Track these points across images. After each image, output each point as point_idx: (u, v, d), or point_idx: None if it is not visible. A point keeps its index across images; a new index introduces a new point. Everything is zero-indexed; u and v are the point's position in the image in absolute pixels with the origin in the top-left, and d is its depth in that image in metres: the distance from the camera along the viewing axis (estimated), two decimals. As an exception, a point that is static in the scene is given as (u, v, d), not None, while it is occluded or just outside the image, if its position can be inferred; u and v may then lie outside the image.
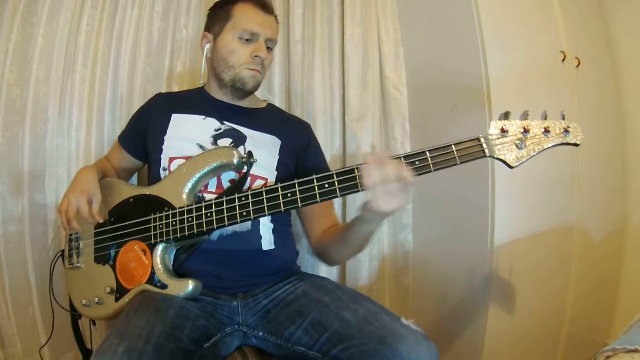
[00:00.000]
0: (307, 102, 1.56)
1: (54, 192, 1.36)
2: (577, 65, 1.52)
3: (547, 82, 1.45)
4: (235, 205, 0.91)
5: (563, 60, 1.47)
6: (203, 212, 0.93)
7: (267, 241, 1.03)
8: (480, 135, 0.81)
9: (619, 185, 1.72)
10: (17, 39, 1.29)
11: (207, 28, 1.13)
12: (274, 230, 1.05)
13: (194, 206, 0.94)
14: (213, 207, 0.92)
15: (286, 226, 1.12)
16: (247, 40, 1.06)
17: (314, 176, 0.86)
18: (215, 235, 0.98)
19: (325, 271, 1.52)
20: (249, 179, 1.01)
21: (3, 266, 1.31)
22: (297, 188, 0.86)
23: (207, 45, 1.11)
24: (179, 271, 0.98)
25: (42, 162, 1.35)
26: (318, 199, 0.85)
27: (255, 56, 1.05)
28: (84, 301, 1.03)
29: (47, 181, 1.35)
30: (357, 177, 0.83)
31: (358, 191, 0.83)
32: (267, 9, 1.09)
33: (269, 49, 1.10)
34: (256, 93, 1.17)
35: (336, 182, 0.84)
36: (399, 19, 1.63)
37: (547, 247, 1.43)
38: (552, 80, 1.46)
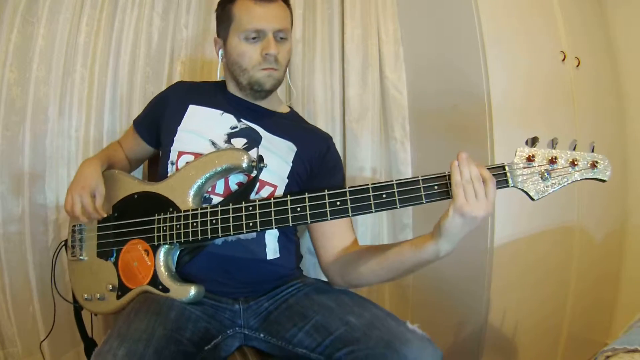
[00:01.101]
0: (307, 102, 1.56)
1: (54, 192, 1.36)
2: (577, 65, 1.52)
3: (547, 82, 1.45)
4: (242, 215, 0.88)
5: (563, 60, 1.47)
6: (208, 218, 0.90)
7: (272, 250, 1.00)
8: (505, 164, 0.77)
9: (619, 185, 1.72)
10: (17, 39, 1.29)
11: (217, 32, 1.07)
12: (279, 239, 1.02)
13: (199, 211, 0.91)
14: (219, 214, 0.90)
15: (291, 233, 1.09)
16: (254, 38, 0.98)
17: (326, 192, 0.82)
18: (219, 240, 0.96)
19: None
20: (257, 184, 0.97)
21: (3, 266, 1.30)
22: (307, 203, 0.83)
23: (221, 51, 1.06)
24: (181, 273, 0.96)
25: (42, 162, 1.35)
26: (329, 217, 0.82)
27: (266, 54, 0.98)
28: (86, 295, 1.02)
29: (47, 181, 1.35)
30: (371, 197, 0.79)
31: (371, 212, 0.79)
32: None
33: (283, 39, 1.01)
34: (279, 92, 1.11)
35: (349, 201, 0.80)
36: (399, 19, 1.63)
37: (547, 246, 1.43)
38: (552, 81, 1.46)
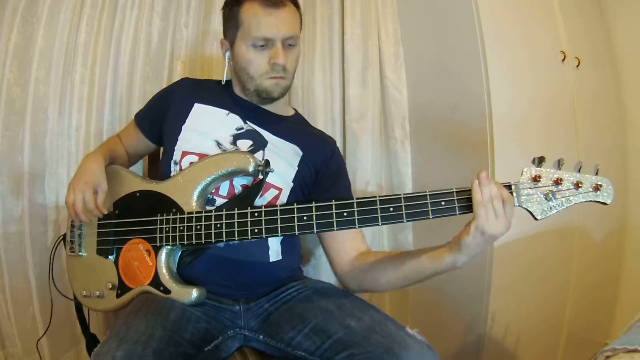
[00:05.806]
0: (307, 102, 1.56)
1: (54, 192, 1.36)
2: (577, 65, 1.52)
3: (547, 81, 1.45)
4: (248, 221, 0.86)
5: (563, 60, 1.47)
6: (212, 222, 0.88)
7: (275, 252, 1.00)
8: (512, 183, 0.79)
9: (619, 186, 1.70)
10: (17, 39, 1.29)
11: (224, 33, 1.05)
12: (282, 241, 1.02)
13: (203, 214, 0.90)
14: (223, 218, 0.88)
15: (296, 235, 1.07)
16: (262, 46, 0.96)
17: (334, 202, 0.82)
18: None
19: (326, 272, 1.51)
20: (262, 187, 0.96)
21: (3, 266, 1.30)
22: (314, 212, 0.82)
23: (227, 53, 1.04)
24: (182, 274, 0.96)
25: (42, 162, 1.35)
26: (335, 227, 0.81)
27: (274, 63, 0.97)
28: (84, 292, 1.02)
29: (47, 181, 1.35)
30: (378, 209, 0.79)
31: (378, 224, 0.80)
32: (276, 3, 0.95)
33: (292, 45, 0.99)
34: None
35: (356, 212, 0.80)
36: (399, 19, 1.63)
37: (547, 246, 1.43)
38: (551, 80, 1.46)
